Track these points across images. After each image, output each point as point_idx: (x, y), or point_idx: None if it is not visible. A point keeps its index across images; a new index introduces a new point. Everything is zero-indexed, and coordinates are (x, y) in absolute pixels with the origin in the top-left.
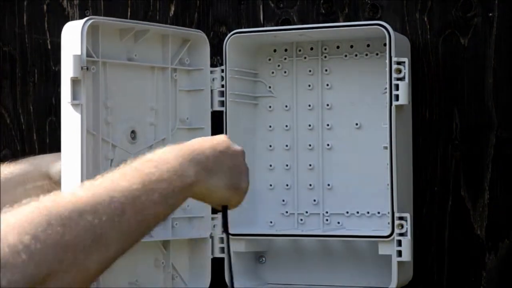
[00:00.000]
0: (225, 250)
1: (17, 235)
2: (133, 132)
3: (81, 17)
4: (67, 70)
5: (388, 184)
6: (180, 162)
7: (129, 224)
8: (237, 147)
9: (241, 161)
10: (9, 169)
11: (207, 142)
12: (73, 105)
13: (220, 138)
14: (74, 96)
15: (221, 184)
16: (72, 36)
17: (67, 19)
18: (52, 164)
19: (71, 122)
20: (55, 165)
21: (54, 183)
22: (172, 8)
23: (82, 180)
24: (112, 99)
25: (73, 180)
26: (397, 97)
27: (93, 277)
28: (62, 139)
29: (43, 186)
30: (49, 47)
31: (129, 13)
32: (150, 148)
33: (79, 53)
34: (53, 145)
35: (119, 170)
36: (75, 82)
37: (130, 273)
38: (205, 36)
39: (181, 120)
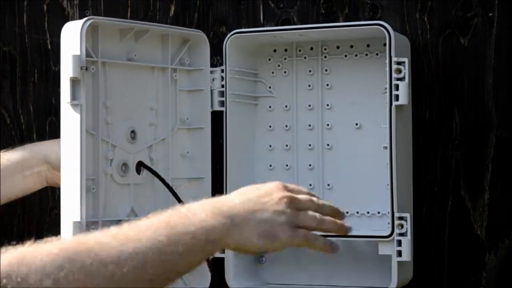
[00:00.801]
0: None
1: (39, 275)
2: (133, 132)
3: (81, 17)
4: (67, 70)
5: (388, 184)
6: (205, 215)
7: (150, 275)
8: (272, 187)
9: (277, 205)
10: (7, 156)
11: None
12: (72, 105)
13: (269, 186)
14: (74, 96)
15: (251, 237)
16: (72, 36)
17: (67, 19)
18: (50, 150)
19: (70, 122)
20: (54, 151)
21: (53, 169)
22: (172, 8)
23: (81, 180)
24: (112, 99)
25: (73, 180)
26: (397, 97)
27: None
28: (62, 139)
29: (41, 172)
30: (49, 47)
31: (129, 13)
32: (150, 148)
33: (79, 53)
34: None
35: (145, 220)
36: (74, 82)
37: None
38: (205, 36)
39: (181, 120)
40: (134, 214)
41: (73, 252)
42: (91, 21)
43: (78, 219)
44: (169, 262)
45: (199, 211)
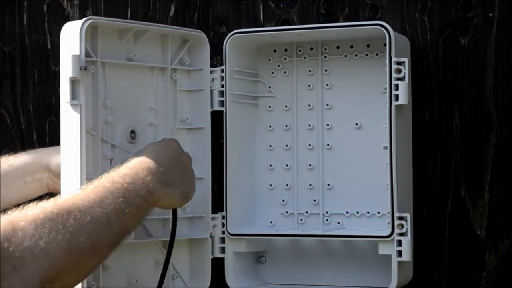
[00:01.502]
0: (168, 250)
1: (34, 238)
2: (132, 132)
3: (81, 17)
4: (66, 70)
5: (388, 184)
6: (144, 176)
7: (115, 232)
8: (186, 155)
9: (190, 168)
10: (9, 162)
11: (163, 151)
12: (72, 105)
13: (172, 146)
14: (73, 96)
15: (176, 194)
16: (71, 36)
17: (67, 19)
18: (52, 157)
19: (70, 122)
20: (55, 158)
21: (54, 176)
22: (172, 8)
23: (81, 180)
24: (112, 99)
25: (73, 180)
26: (397, 97)
27: (85, 277)
28: (62, 139)
29: (43, 179)
30: (49, 47)
31: (129, 13)
32: None
33: (78, 53)
34: (53, 145)
35: (104, 183)
36: (74, 82)
37: (130, 273)
38: (205, 36)
39: (181, 120)
40: None
41: (59, 213)
42: (90, 21)
43: None
44: (127, 220)
45: (141, 174)
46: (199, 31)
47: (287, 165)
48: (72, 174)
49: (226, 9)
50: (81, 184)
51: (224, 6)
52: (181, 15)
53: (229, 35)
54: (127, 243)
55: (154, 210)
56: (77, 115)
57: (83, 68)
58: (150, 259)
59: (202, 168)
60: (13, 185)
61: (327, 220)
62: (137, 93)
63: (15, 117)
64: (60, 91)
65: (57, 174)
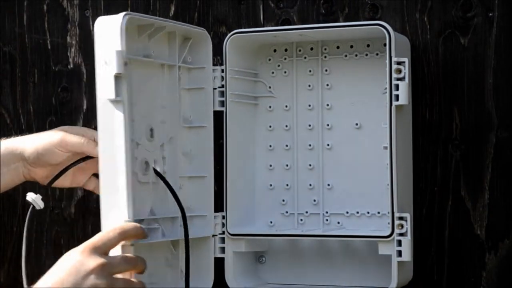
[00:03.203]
0: (186, 252)
1: None
2: (151, 130)
3: (81, 17)
4: (109, 66)
5: (388, 184)
6: None
7: None
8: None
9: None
10: None
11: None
12: (115, 101)
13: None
14: (117, 92)
15: None
16: (111, 32)
17: (67, 19)
18: (25, 146)
19: (112, 119)
20: (28, 147)
21: (29, 164)
22: (172, 8)
23: (127, 180)
24: (134, 96)
25: (117, 180)
26: (397, 97)
27: None
28: (100, 138)
29: (18, 168)
30: (49, 47)
31: None
32: (162, 147)
33: (121, 48)
34: None
35: None
36: (117, 78)
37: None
38: (207, 33)
39: (184, 118)
40: (153, 214)
41: None
42: (129, 16)
43: (128, 218)
44: None
45: None
46: (202, 28)
47: (287, 165)
48: (115, 175)
49: (226, 9)
50: (128, 183)
51: (224, 6)
52: (181, 15)
53: (229, 35)
54: (141, 243)
55: (161, 208)
56: (120, 112)
57: (126, 63)
58: (161, 259)
59: (204, 166)
60: None
61: (327, 220)
62: (152, 90)
63: (15, 117)
64: (97, 87)
65: (31, 162)
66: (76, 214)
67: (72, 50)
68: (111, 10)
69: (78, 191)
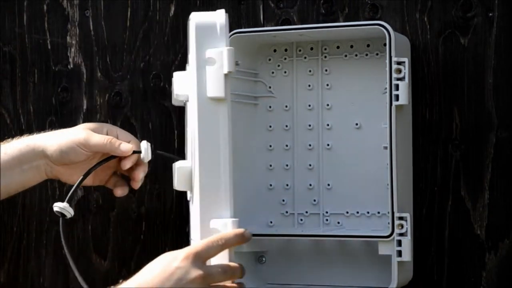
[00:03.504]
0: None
1: None
2: None
3: (81, 17)
4: (217, 66)
5: (388, 184)
6: None
7: None
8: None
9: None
10: (3, 150)
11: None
12: (219, 100)
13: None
14: (226, 91)
15: None
16: (214, 29)
17: (67, 19)
18: (47, 144)
19: (214, 118)
20: (50, 144)
21: (52, 162)
22: (172, 8)
23: (229, 177)
24: None
25: (220, 178)
26: (397, 97)
27: None
28: (200, 137)
29: (40, 166)
30: (49, 47)
31: (129, 13)
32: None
33: (231, 47)
34: None
35: None
36: (226, 76)
37: None
38: None
39: None
40: None
41: None
42: (227, 14)
43: (231, 218)
44: None
45: None
46: None
47: (287, 165)
48: (218, 171)
49: (226, 9)
50: (230, 182)
51: (224, 6)
52: (181, 15)
53: (229, 35)
54: None
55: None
56: (225, 111)
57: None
58: None
59: None
60: (11, 174)
61: (327, 220)
62: None
63: (15, 117)
64: (195, 85)
65: (54, 160)
66: (76, 214)
67: (72, 50)
68: (111, 10)
69: (78, 191)
